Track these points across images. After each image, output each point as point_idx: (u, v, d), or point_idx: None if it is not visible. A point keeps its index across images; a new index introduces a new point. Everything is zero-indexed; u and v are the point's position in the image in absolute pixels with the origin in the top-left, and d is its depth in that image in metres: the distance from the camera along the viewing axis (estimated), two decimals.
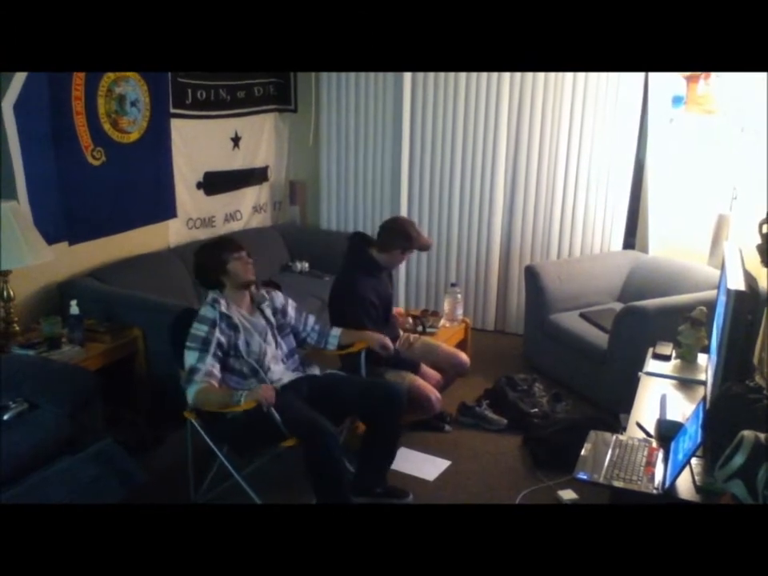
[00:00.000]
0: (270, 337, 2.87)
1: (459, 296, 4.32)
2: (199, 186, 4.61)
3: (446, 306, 4.26)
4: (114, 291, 3.62)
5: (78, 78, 3.59)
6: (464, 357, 3.68)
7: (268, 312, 2.90)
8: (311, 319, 3.08)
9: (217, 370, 2.67)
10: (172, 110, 4.28)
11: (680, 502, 1.86)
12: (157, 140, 4.18)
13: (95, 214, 3.82)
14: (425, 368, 3.37)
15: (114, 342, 3.34)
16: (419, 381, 3.27)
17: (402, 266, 4.88)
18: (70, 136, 3.61)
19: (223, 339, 2.69)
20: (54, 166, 3.54)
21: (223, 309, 2.72)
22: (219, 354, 2.69)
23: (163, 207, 4.32)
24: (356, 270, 3.31)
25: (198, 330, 2.68)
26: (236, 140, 4.88)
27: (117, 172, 3.90)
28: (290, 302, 3.03)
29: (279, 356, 2.90)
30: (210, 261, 2.80)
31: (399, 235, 3.28)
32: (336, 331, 3.08)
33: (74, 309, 3.26)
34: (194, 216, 4.58)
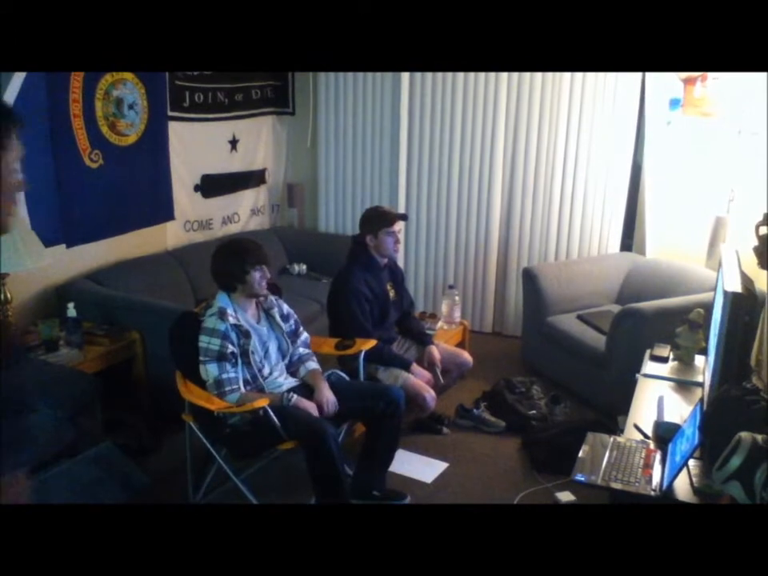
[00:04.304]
0: (273, 343, 2.88)
1: (457, 298, 4.33)
2: (197, 188, 4.62)
3: (444, 308, 4.27)
4: (112, 294, 3.62)
5: (76, 81, 3.59)
6: (467, 355, 3.70)
7: (277, 318, 2.90)
8: (303, 336, 3.04)
9: (239, 373, 2.71)
10: (170, 113, 4.28)
11: (678, 503, 1.87)
12: (154, 143, 4.17)
13: (93, 216, 3.82)
14: (416, 367, 3.38)
15: (112, 345, 3.34)
16: (412, 379, 3.29)
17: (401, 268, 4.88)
18: (68, 138, 3.61)
19: (236, 350, 2.71)
20: (51, 169, 3.54)
21: (231, 320, 2.71)
22: (233, 360, 2.71)
23: (161, 210, 4.32)
24: (352, 265, 3.38)
25: (211, 343, 2.67)
26: (234, 143, 4.88)
27: (114, 175, 3.90)
28: (292, 312, 3.03)
29: (280, 361, 2.91)
30: (229, 265, 2.76)
31: (364, 221, 3.41)
32: (311, 365, 2.97)
33: (72, 311, 3.25)
34: (191, 218, 4.58)
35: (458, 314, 4.30)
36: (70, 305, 3.26)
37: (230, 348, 2.68)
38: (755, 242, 2.92)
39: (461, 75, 4.64)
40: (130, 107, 3.96)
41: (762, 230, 2.90)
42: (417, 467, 3.26)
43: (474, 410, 3.65)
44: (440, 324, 4.20)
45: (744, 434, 1.59)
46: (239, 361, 2.71)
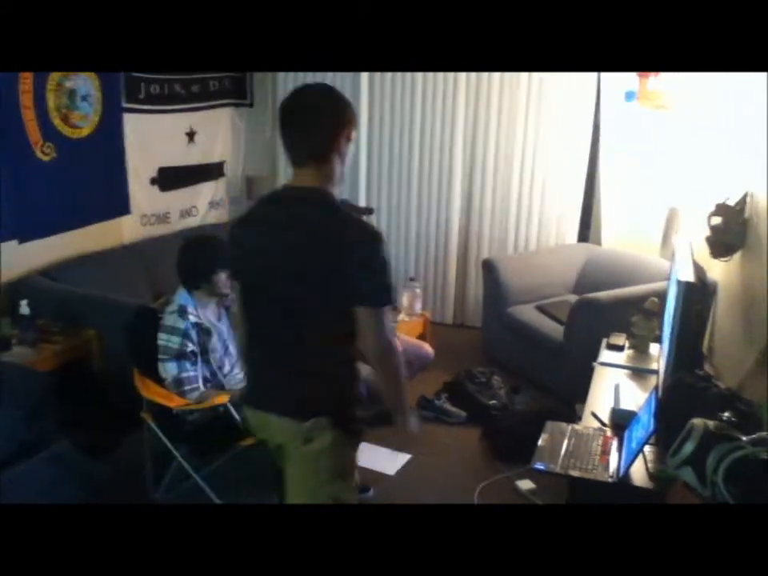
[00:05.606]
0: (233, 340, 2.85)
1: (418, 290, 4.34)
2: (153, 181, 4.54)
3: (405, 301, 4.28)
4: (67, 290, 3.54)
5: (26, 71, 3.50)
6: (428, 348, 3.70)
7: None
8: None
9: (199, 371, 2.68)
10: (125, 105, 4.20)
11: (634, 489, 1.91)
12: (109, 135, 4.09)
13: (46, 210, 3.73)
14: None
15: (67, 343, 3.27)
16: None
17: None
18: (18, 131, 3.51)
19: (196, 348, 2.67)
20: (0, 162, 3.45)
21: (192, 318, 2.67)
22: (192, 359, 2.68)
23: (116, 203, 4.24)
24: None
25: (170, 342, 2.63)
26: (191, 135, 4.81)
27: (68, 168, 3.81)
28: None
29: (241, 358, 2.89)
30: (197, 263, 2.72)
31: None
32: None
33: (25, 309, 3.18)
34: (148, 212, 4.50)
35: (419, 306, 4.31)
36: (23, 302, 3.19)
37: (191, 347, 2.64)
38: (707, 233, 2.99)
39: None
40: (84, 99, 3.87)
41: (714, 221, 2.97)
42: (379, 459, 3.26)
43: (436, 401, 3.68)
44: (401, 316, 4.20)
45: (696, 421, 1.62)
46: (199, 359, 2.68)
